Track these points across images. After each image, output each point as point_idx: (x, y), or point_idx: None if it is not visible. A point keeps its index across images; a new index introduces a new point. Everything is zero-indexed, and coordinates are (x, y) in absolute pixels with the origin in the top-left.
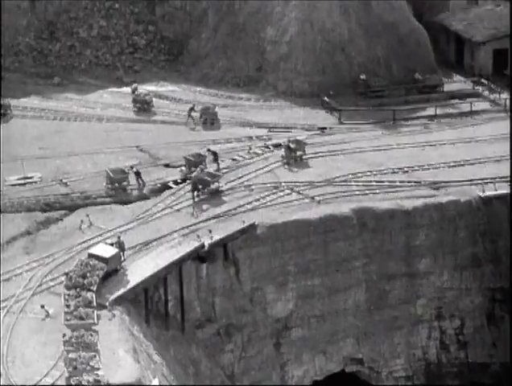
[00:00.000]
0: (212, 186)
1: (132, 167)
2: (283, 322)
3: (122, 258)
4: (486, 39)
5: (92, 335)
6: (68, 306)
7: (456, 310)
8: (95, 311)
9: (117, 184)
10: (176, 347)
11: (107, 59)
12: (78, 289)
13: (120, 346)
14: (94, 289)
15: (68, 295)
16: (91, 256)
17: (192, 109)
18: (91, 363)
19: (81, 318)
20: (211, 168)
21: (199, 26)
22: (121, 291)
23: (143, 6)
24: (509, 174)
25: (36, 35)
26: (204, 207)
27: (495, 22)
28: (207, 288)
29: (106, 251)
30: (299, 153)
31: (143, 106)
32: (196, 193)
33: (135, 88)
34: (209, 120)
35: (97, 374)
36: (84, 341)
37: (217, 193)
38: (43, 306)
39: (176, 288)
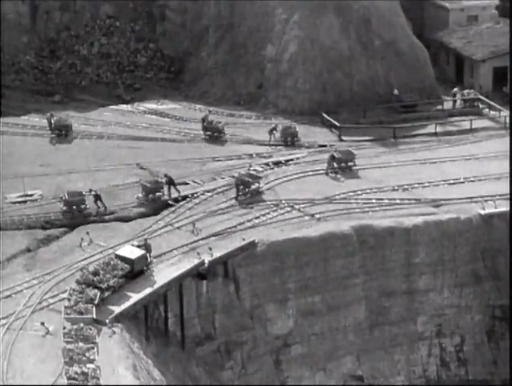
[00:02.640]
0: (253, 187)
1: (91, 190)
2: (283, 339)
3: (149, 260)
4: (486, 56)
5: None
6: (69, 300)
7: (456, 327)
8: (94, 308)
9: (74, 206)
10: (176, 364)
11: (108, 77)
12: (84, 286)
13: (120, 363)
14: (104, 286)
15: (73, 290)
16: (117, 257)
17: (273, 129)
18: (87, 355)
19: (80, 313)
20: (170, 193)
21: (199, 44)
22: (121, 308)
23: (144, 24)
24: (508, 191)
25: (37, 53)
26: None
27: (495, 39)
28: (207, 305)
29: (133, 252)
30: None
31: (214, 134)
32: (238, 193)
33: (206, 116)
34: (290, 139)
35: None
36: (83, 334)
37: (258, 193)
38: (43, 323)
39: (176, 305)
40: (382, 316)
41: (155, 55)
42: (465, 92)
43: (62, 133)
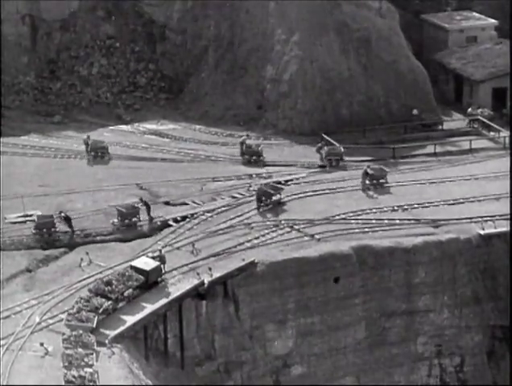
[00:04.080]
0: (275, 198)
1: (61, 212)
2: (283, 360)
3: (163, 271)
4: (485, 77)
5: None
6: (73, 307)
7: (456, 348)
8: (96, 317)
9: (44, 229)
10: (176, 385)
11: (107, 98)
12: (92, 295)
13: (120, 383)
14: (114, 297)
15: (81, 298)
16: (132, 268)
17: (320, 148)
18: (85, 360)
19: (81, 321)
20: (146, 217)
21: (199, 64)
22: (121, 329)
23: (144, 45)
24: (508, 211)
25: (37, 74)
26: (268, 215)
27: (494, 60)
28: (206, 325)
29: (147, 264)
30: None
31: (252, 158)
32: (259, 204)
33: (245, 140)
34: (334, 160)
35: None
36: (82, 340)
37: (279, 204)
38: (42, 344)
39: (176, 325)
40: (382, 336)
41: (155, 75)
42: (479, 110)
43: (98, 154)
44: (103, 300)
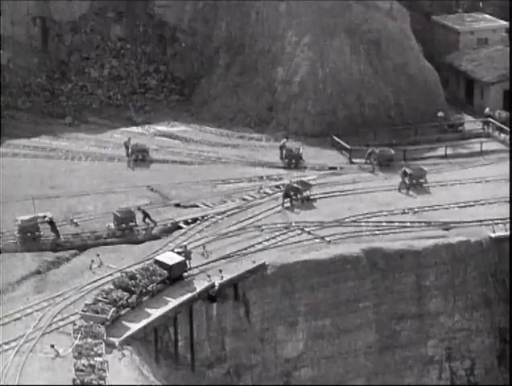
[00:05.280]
0: (304, 194)
1: (45, 217)
2: (293, 363)
3: (188, 266)
4: (496, 79)
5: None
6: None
7: (466, 351)
8: (112, 309)
9: (124, 224)
10: None
11: (118, 99)
12: (114, 287)
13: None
14: (138, 290)
15: (102, 290)
16: (156, 262)
17: (371, 153)
18: (95, 349)
19: (96, 312)
20: (148, 225)
21: (210, 66)
22: (131, 331)
23: (154, 46)
24: None
25: (48, 75)
26: (296, 210)
27: (505, 62)
28: (217, 327)
29: (171, 258)
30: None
31: (292, 161)
32: (287, 200)
33: (284, 144)
34: (384, 162)
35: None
36: (92, 331)
37: (308, 200)
38: (52, 346)
39: (186, 327)
40: (393, 339)
41: (166, 77)
42: (497, 112)
43: (139, 157)
44: (124, 293)
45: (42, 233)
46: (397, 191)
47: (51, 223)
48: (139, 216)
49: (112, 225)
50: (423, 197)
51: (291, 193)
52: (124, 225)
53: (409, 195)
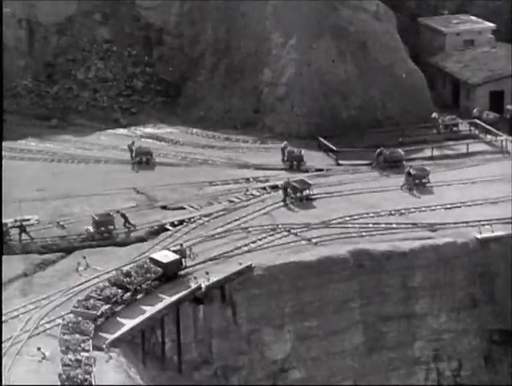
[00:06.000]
0: (304, 193)
1: (16, 221)
2: (280, 364)
3: (184, 265)
4: (482, 80)
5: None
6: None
7: (453, 352)
8: (103, 306)
9: (102, 228)
10: None
11: (104, 101)
12: (108, 284)
13: None
14: (132, 287)
15: (97, 287)
16: (151, 260)
17: (380, 154)
18: (82, 345)
19: (87, 308)
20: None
21: (196, 68)
22: (118, 333)
23: (141, 48)
24: (506, 215)
25: (34, 77)
26: (296, 209)
27: (491, 64)
28: (204, 329)
29: (166, 256)
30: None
31: (293, 163)
32: (285, 198)
33: (286, 146)
34: (393, 163)
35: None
36: (80, 327)
37: (307, 199)
38: (39, 349)
39: (173, 329)
40: (379, 340)
41: (152, 79)
42: (485, 113)
43: (143, 160)
44: (118, 290)
45: (12, 238)
46: (383, 193)
47: (21, 227)
48: (121, 220)
49: (91, 228)
50: (410, 198)
51: (289, 191)
52: (103, 228)
53: (413, 194)
